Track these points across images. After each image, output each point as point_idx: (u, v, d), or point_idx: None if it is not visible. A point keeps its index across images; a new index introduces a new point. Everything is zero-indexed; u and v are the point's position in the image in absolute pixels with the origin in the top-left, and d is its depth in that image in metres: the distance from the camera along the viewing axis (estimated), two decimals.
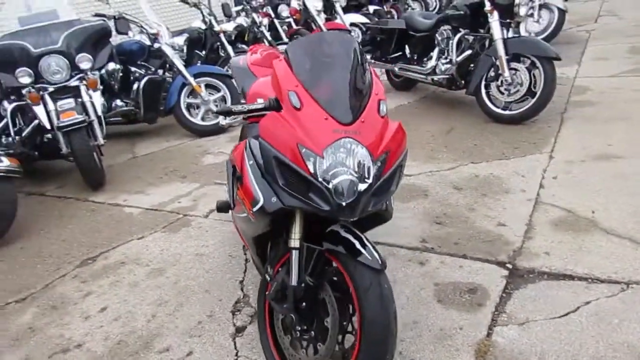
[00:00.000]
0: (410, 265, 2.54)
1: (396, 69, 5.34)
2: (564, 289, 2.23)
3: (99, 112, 4.09)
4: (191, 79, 5.04)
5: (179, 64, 5.07)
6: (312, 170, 1.50)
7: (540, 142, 3.82)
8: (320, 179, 1.49)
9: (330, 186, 1.49)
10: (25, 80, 3.83)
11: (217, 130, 5.16)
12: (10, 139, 3.99)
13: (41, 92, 3.90)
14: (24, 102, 3.98)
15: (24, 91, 3.89)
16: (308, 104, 1.58)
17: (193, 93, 5.16)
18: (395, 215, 3.01)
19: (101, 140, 4.07)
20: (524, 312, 2.12)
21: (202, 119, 5.25)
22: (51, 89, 3.95)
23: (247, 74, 2.71)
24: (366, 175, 1.53)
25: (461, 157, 3.78)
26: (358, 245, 1.61)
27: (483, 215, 2.92)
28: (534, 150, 3.70)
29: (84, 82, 4.06)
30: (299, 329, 1.72)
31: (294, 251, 1.67)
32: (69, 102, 3.82)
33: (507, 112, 4.27)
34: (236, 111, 1.67)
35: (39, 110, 3.89)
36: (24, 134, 4.05)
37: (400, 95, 5.67)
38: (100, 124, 4.15)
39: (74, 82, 4.03)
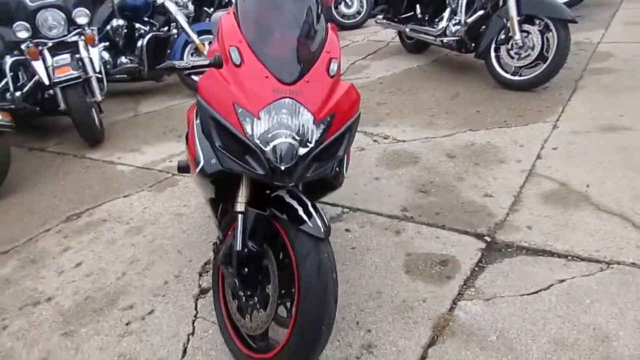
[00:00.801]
0: (385, 234, 2.46)
1: (407, 30, 5.12)
2: (541, 265, 2.12)
3: (97, 69, 4.06)
4: (194, 37, 4.95)
5: (182, 20, 4.96)
6: (248, 132, 1.43)
7: (547, 111, 3.62)
8: (256, 141, 1.42)
9: (267, 149, 1.41)
10: (23, 34, 3.81)
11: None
12: (9, 94, 4.01)
13: (40, 47, 3.89)
14: (23, 57, 3.98)
15: (22, 46, 3.89)
16: (249, 60, 1.49)
17: (197, 51, 5.07)
18: (380, 182, 3.00)
19: (99, 97, 4.06)
20: (493, 287, 2.04)
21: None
22: (50, 44, 3.94)
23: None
24: (307, 139, 1.45)
25: (461, 124, 3.62)
26: (301, 212, 1.54)
27: (471, 185, 2.80)
28: (538, 118, 3.51)
29: (82, 37, 4.02)
30: (243, 294, 1.68)
31: (239, 215, 1.61)
32: (64, 58, 3.80)
33: (516, 77, 4.04)
34: (179, 67, 1.59)
35: (38, 65, 3.89)
36: (24, 90, 4.06)
37: (411, 58, 5.45)
38: (100, 80, 4.14)
39: (72, 38, 4.01)
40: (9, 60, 4.02)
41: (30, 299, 2.32)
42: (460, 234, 2.40)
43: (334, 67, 1.56)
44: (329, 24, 1.71)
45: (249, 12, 1.59)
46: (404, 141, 3.47)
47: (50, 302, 2.27)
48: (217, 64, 1.57)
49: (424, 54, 5.53)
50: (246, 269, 1.62)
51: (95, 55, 4.07)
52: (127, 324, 2.07)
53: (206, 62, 1.59)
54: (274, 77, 1.46)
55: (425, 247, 2.33)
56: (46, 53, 3.88)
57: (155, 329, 2.03)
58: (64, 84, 3.77)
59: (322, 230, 1.51)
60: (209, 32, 5.07)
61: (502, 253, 2.23)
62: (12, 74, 4.02)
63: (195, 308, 2.12)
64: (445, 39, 4.55)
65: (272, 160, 1.41)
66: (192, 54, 5.08)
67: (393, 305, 2.00)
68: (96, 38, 4.17)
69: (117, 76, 5.11)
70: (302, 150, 1.44)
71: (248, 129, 1.42)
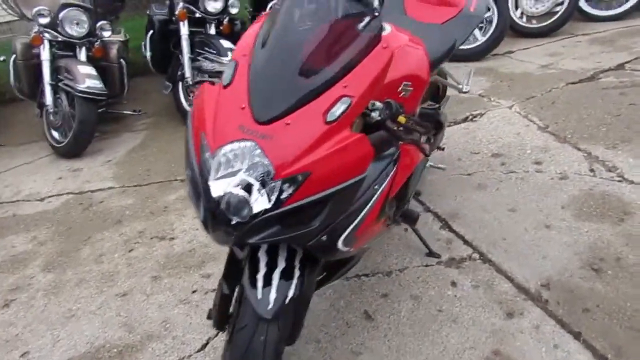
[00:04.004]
0: (493, 310, 1.85)
1: None
2: None
3: None
4: None
5: None
6: (202, 168, 1.19)
7: None
8: (208, 184, 1.18)
9: (215, 196, 1.16)
10: None
11: (476, 56, 4.50)
12: None
13: None
14: None
15: None
16: (238, 82, 1.21)
17: None
18: (548, 233, 2.23)
19: None
20: None
21: None
22: None
23: (397, 7, 2.22)
24: (264, 195, 1.13)
25: None
26: (260, 275, 1.27)
27: None
28: None
29: None
30: None
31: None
32: None
33: None
34: (206, 70, 1.41)
35: None
36: None
37: None
38: None
39: None
40: None
41: (161, 232, 2.65)
42: (594, 357, 1.62)
43: (339, 109, 1.14)
44: (381, 45, 1.24)
45: (283, 14, 1.27)
46: (631, 182, 2.45)
47: (170, 242, 2.56)
48: None
49: None
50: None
51: None
52: (193, 292, 2.18)
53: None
54: (249, 110, 1.15)
55: (527, 354, 1.66)
56: None
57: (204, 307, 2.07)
58: None
59: (269, 309, 1.21)
60: None
61: None
62: None
63: None
64: None
65: (216, 211, 1.16)
66: None
67: None
68: None
69: None
70: (257, 207, 1.13)
71: (203, 164, 1.19)
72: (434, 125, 2.43)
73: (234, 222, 1.13)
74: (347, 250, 1.31)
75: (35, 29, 3.56)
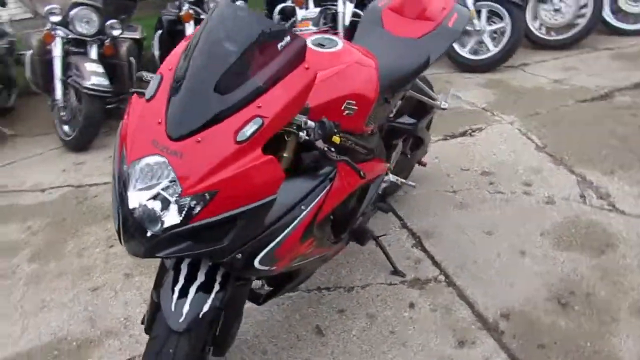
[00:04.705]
0: (446, 338, 1.81)
1: None
2: None
3: None
4: (470, 2, 4.33)
5: None
6: (120, 178, 1.21)
7: None
8: (125, 194, 1.20)
9: (130, 206, 1.18)
10: None
11: (487, 67, 4.40)
12: None
13: None
14: None
15: None
16: (159, 97, 1.22)
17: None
18: (521, 261, 2.16)
19: None
20: None
21: (473, 51, 4.54)
22: None
23: (374, 20, 2.20)
24: (172, 211, 1.14)
25: None
26: (177, 287, 1.28)
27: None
28: None
29: None
30: None
31: None
32: None
33: None
34: (145, 80, 1.42)
35: None
36: None
37: None
38: None
39: None
40: None
41: None
42: None
43: (250, 129, 1.13)
44: (303, 66, 1.23)
45: (208, 29, 1.26)
46: (622, 213, 2.34)
47: None
48: None
49: None
50: None
51: None
52: None
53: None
54: (164, 126, 1.17)
55: None
56: None
57: None
58: None
59: (180, 321, 1.22)
60: None
61: None
62: None
63: None
64: None
65: (129, 222, 1.18)
66: None
67: None
68: None
69: None
70: (167, 221, 1.14)
71: (123, 177, 1.21)
72: (415, 141, 2.40)
73: (145, 234, 1.15)
74: (268, 269, 1.30)
75: (48, 26, 3.67)
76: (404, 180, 2.29)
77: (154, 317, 1.42)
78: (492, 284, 2.03)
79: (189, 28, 3.80)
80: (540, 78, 4.10)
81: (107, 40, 3.91)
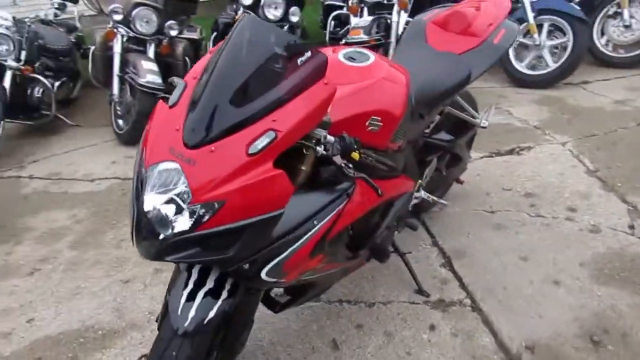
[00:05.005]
0: None
1: None
2: None
3: None
4: (531, 15, 4.17)
5: None
6: (138, 181, 1.25)
7: None
8: (141, 195, 1.23)
9: (145, 208, 1.21)
10: None
11: (544, 83, 4.22)
12: None
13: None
14: None
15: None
16: (181, 104, 1.24)
17: (529, 34, 4.28)
18: (555, 291, 2.06)
19: None
20: None
21: (531, 66, 4.37)
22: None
23: (418, 34, 2.15)
24: (182, 217, 1.16)
25: None
26: (186, 290, 1.30)
27: None
28: None
29: None
30: None
31: None
32: None
33: None
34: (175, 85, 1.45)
35: None
36: None
37: None
38: None
39: None
40: None
41: None
42: None
43: (262, 142, 1.13)
44: (322, 82, 1.22)
45: (225, 42, 1.28)
46: None
47: None
48: None
49: None
50: None
51: None
52: None
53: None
54: (181, 133, 1.19)
55: None
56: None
57: None
58: None
59: (185, 325, 1.24)
60: (551, 11, 4.18)
61: None
62: None
63: None
64: None
65: (142, 224, 1.21)
66: (525, 35, 4.33)
67: None
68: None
69: None
70: (178, 227, 1.17)
71: (140, 180, 1.24)
72: (452, 158, 2.32)
73: (155, 237, 1.17)
74: (275, 281, 1.30)
75: (110, 24, 3.88)
76: (435, 198, 2.23)
77: (164, 317, 1.45)
78: (519, 313, 1.93)
79: None
80: (600, 97, 3.88)
81: (165, 40, 4.07)
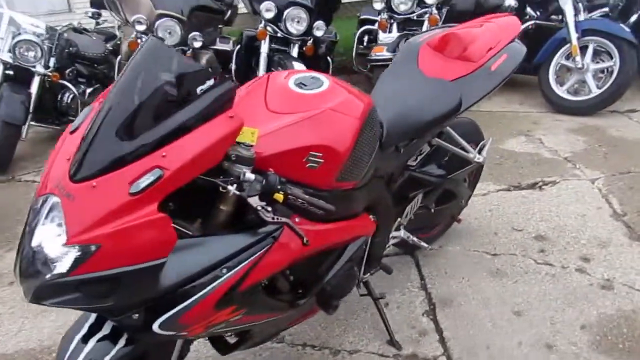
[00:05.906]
0: None
1: None
2: None
3: None
4: (574, 36, 3.82)
5: (570, 12, 3.87)
6: (30, 211, 1.15)
7: None
8: (27, 227, 1.13)
9: (32, 244, 1.10)
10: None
11: (585, 110, 3.86)
12: None
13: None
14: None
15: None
16: (81, 131, 1.14)
17: (571, 56, 3.93)
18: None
19: None
20: None
21: (573, 91, 4.00)
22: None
23: (409, 57, 1.97)
24: (58, 258, 1.05)
25: None
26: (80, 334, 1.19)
27: None
28: None
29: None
30: None
31: None
32: None
33: None
34: None
35: None
36: None
37: None
38: None
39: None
40: None
41: None
42: None
43: (145, 181, 1.00)
44: (226, 114, 1.07)
45: (128, 65, 1.16)
46: None
47: None
48: None
49: None
50: None
51: None
52: None
53: None
54: (69, 164, 1.08)
55: None
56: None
57: None
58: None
59: None
60: (597, 32, 3.81)
61: None
62: None
63: None
64: None
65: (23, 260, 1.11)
66: (567, 57, 3.98)
67: None
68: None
69: None
70: (56, 269, 1.05)
71: (31, 210, 1.14)
72: (444, 194, 2.10)
73: (35, 277, 1.07)
74: (174, 334, 1.17)
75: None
76: (416, 240, 2.01)
77: None
78: None
79: (264, 45, 3.82)
80: None
81: (189, 51, 4.06)
